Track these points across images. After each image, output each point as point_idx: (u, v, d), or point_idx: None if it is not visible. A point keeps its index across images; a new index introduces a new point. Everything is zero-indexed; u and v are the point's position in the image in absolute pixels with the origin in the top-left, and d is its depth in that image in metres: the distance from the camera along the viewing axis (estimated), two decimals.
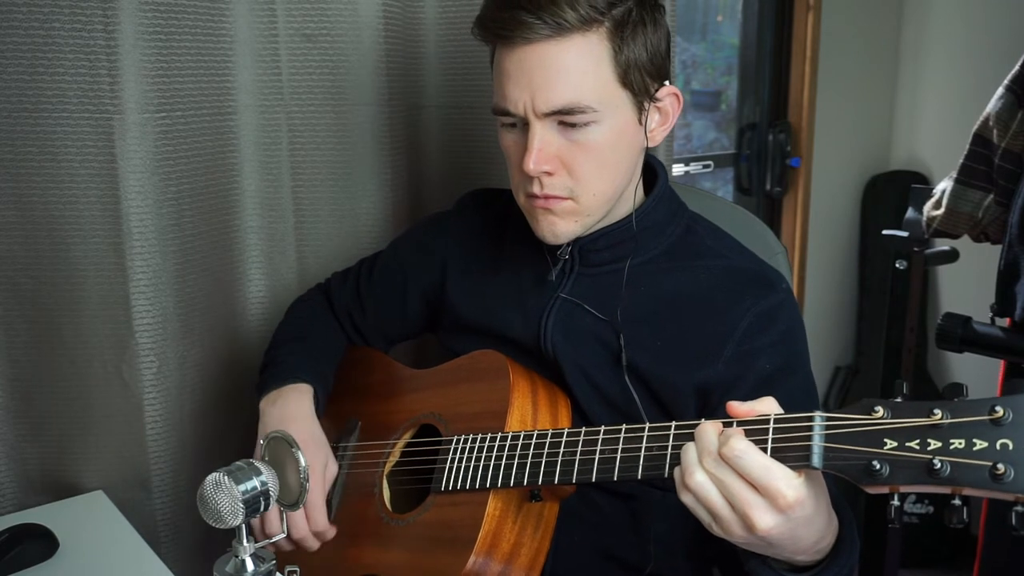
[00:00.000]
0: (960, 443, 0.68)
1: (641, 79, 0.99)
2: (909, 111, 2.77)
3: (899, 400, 0.73)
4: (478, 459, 0.99)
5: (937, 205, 1.84)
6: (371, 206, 1.47)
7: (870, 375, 2.80)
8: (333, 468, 1.12)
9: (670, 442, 0.83)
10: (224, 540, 0.79)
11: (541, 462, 0.93)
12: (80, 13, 1.16)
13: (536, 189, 1.00)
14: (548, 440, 0.94)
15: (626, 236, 1.06)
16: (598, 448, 0.89)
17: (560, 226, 1.02)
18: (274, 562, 0.79)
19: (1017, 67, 1.64)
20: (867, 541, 2.34)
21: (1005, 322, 1.64)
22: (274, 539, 0.92)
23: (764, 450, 0.75)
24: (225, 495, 0.74)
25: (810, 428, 0.74)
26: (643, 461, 0.85)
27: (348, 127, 1.43)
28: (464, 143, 1.55)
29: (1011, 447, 0.66)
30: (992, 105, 1.67)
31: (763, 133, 2.64)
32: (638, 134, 1.02)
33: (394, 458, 1.13)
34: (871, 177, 2.82)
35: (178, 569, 1.30)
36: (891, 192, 2.76)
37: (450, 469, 1.01)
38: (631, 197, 1.07)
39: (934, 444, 0.69)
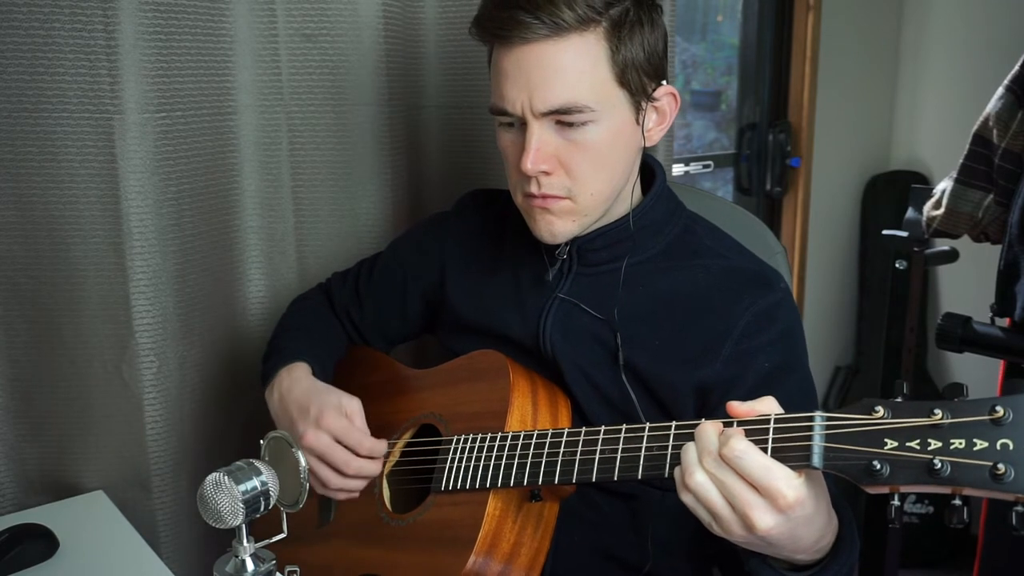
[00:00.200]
0: (960, 443, 0.68)
1: (638, 79, 0.99)
2: (909, 111, 2.77)
3: (899, 400, 0.73)
4: (478, 459, 0.99)
5: (937, 205, 1.84)
6: (371, 206, 1.47)
7: (870, 375, 2.80)
8: (352, 402, 1.06)
9: (670, 442, 0.83)
10: (224, 540, 0.79)
11: (541, 462, 0.93)
12: (80, 13, 1.16)
13: (534, 189, 1.00)
14: (548, 440, 0.94)
15: (624, 236, 1.06)
16: (598, 448, 0.89)
17: (558, 225, 1.02)
18: (274, 562, 0.79)
19: (1017, 67, 1.64)
20: (867, 541, 2.34)
21: (1005, 322, 1.64)
22: (274, 539, 0.92)
23: (764, 450, 0.75)
24: (225, 495, 0.74)
25: (810, 428, 0.74)
26: (643, 461, 0.85)
27: (348, 127, 1.43)
28: (464, 143, 1.55)
29: (1011, 447, 0.66)
30: (992, 105, 1.67)
31: (763, 133, 2.64)
32: (635, 134, 1.02)
33: (394, 458, 1.13)
34: (871, 177, 2.82)
35: (178, 569, 1.30)
36: (891, 192, 2.76)
37: (450, 469, 1.01)
38: (629, 197, 1.07)
39: (934, 444, 0.69)
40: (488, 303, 1.14)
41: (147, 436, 1.30)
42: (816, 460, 0.73)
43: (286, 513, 0.83)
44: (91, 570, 1.11)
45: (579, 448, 0.91)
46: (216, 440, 1.40)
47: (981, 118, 1.70)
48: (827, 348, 2.86)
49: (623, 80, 0.98)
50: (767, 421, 0.77)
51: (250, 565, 0.77)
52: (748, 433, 0.76)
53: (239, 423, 1.42)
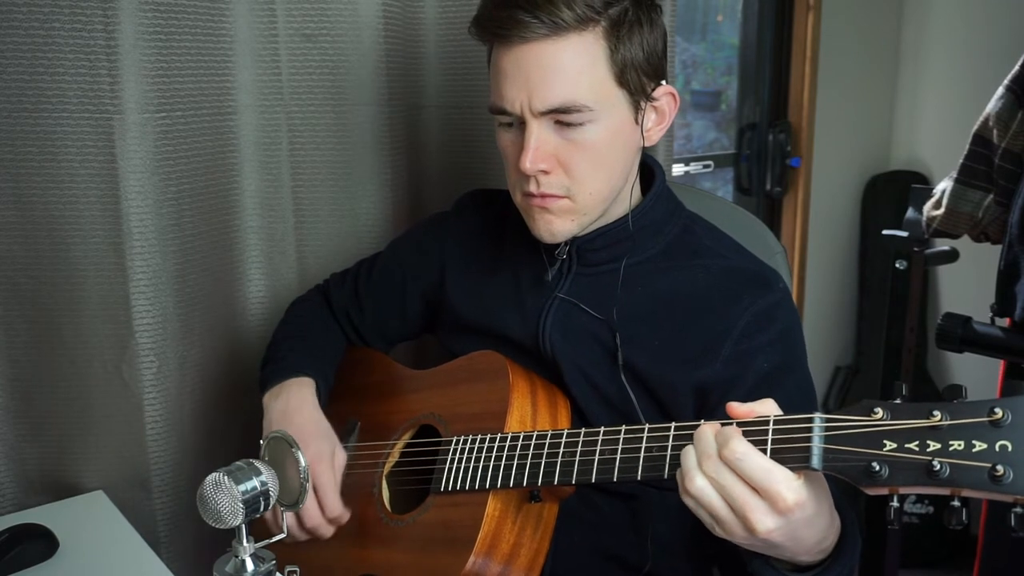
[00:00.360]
0: (959, 444, 0.68)
1: (637, 78, 0.99)
2: (909, 111, 2.77)
3: (898, 401, 0.73)
4: (478, 460, 0.99)
5: (937, 205, 1.84)
6: (371, 206, 1.47)
7: (870, 375, 2.80)
8: (342, 456, 1.10)
9: (670, 443, 0.83)
10: (224, 540, 0.79)
11: (541, 463, 0.93)
12: (80, 13, 1.16)
13: (532, 188, 1.00)
14: (548, 441, 0.94)
15: (623, 236, 1.06)
16: (597, 449, 0.89)
17: (556, 225, 1.02)
18: (274, 562, 0.79)
19: (1017, 67, 1.64)
20: (867, 542, 2.33)
21: (1005, 322, 1.64)
22: (275, 539, 0.92)
23: (764, 452, 0.75)
24: (225, 495, 0.74)
25: (810, 430, 0.74)
26: (642, 462, 0.85)
27: (348, 127, 1.43)
28: (464, 143, 1.55)
29: (1010, 449, 0.66)
30: (992, 105, 1.67)
31: (763, 133, 2.64)
32: (634, 133, 1.02)
33: (394, 458, 1.13)
34: (871, 177, 2.82)
35: (178, 569, 1.30)
36: (891, 192, 2.76)
37: (450, 469, 1.01)
38: (628, 197, 1.07)
39: (933, 445, 0.69)
40: (488, 303, 1.14)
41: (147, 436, 1.30)
42: (815, 461, 0.73)
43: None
44: (91, 570, 1.11)
45: (578, 449, 0.91)
46: (216, 440, 1.40)
47: (981, 118, 1.70)
48: (827, 348, 2.86)
49: (622, 80, 0.98)
50: (766, 423, 0.77)
51: (250, 565, 0.77)
52: (747, 435, 0.76)
53: (239, 423, 1.42)
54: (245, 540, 0.77)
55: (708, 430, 0.78)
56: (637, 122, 1.02)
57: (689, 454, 0.78)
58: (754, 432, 0.77)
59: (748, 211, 1.38)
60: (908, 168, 2.79)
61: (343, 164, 1.45)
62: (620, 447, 0.87)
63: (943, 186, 1.82)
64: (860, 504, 2.41)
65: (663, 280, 1.06)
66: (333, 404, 1.22)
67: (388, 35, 1.42)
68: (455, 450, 1.02)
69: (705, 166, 2.62)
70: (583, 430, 0.92)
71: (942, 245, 2.16)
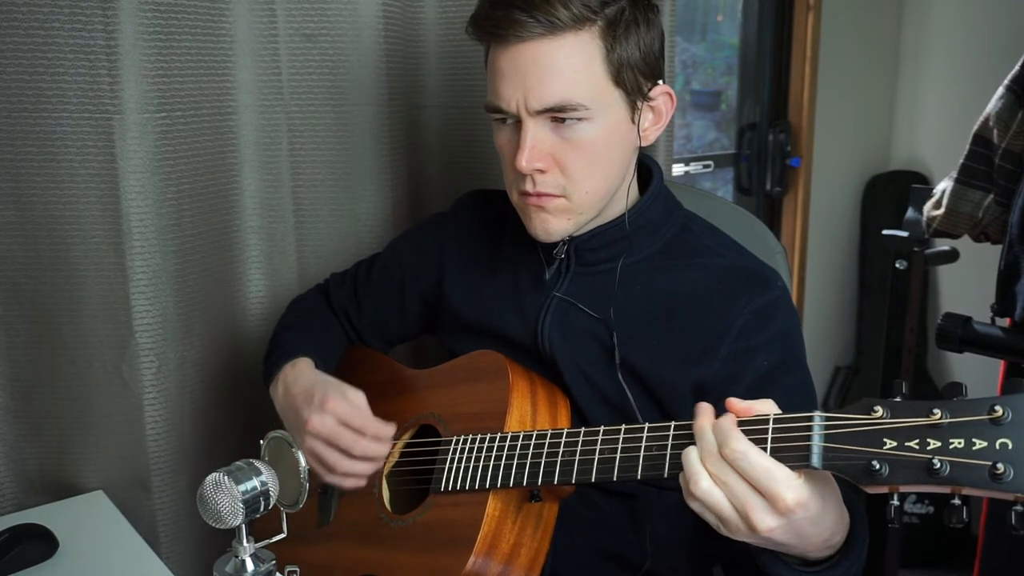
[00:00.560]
0: (959, 443, 0.68)
1: (634, 78, 0.99)
2: (909, 111, 2.77)
3: (898, 400, 0.73)
4: (477, 459, 0.99)
5: (937, 205, 1.84)
6: (371, 206, 1.47)
7: (870, 375, 2.80)
8: (355, 392, 1.06)
9: (669, 443, 0.83)
10: (224, 540, 0.79)
11: (540, 462, 0.93)
12: (80, 13, 1.16)
13: (529, 187, 1.00)
14: (547, 440, 0.94)
15: (620, 235, 1.06)
16: (597, 448, 0.89)
17: (552, 224, 1.03)
18: (274, 562, 0.79)
19: (1017, 67, 1.64)
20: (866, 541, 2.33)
21: (1005, 322, 1.64)
22: (274, 539, 0.92)
23: (764, 450, 0.75)
24: (225, 495, 0.74)
25: (809, 428, 0.74)
26: (642, 461, 0.85)
27: (348, 127, 1.43)
28: (464, 143, 1.56)
29: (1010, 446, 0.66)
30: (992, 105, 1.67)
31: (763, 133, 2.64)
32: (631, 133, 1.02)
33: (394, 458, 1.13)
34: (871, 177, 2.82)
35: (178, 569, 1.30)
36: (891, 192, 2.76)
37: (450, 469, 1.01)
38: (625, 196, 1.07)
39: (933, 444, 0.68)
40: (487, 303, 1.14)
41: (147, 436, 1.30)
42: (815, 460, 0.73)
43: (286, 513, 0.83)
44: (91, 570, 1.11)
45: (578, 448, 0.91)
46: (216, 440, 1.40)
47: (981, 118, 1.70)
48: (827, 348, 2.86)
49: (618, 79, 0.98)
50: (766, 421, 0.77)
51: (250, 565, 0.77)
52: (747, 433, 0.76)
53: (239, 423, 1.42)
54: (245, 540, 0.77)
55: (707, 426, 0.78)
56: (633, 122, 1.02)
57: (691, 455, 0.78)
58: (754, 431, 0.76)
59: (748, 211, 1.38)
60: (908, 168, 2.79)
61: (343, 164, 1.45)
62: (620, 447, 0.87)
63: (943, 186, 1.82)
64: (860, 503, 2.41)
65: (661, 279, 1.06)
66: None
67: (388, 35, 1.42)
68: (455, 450, 1.02)
69: (705, 166, 2.62)
70: (583, 429, 0.92)
71: (942, 245, 2.16)
